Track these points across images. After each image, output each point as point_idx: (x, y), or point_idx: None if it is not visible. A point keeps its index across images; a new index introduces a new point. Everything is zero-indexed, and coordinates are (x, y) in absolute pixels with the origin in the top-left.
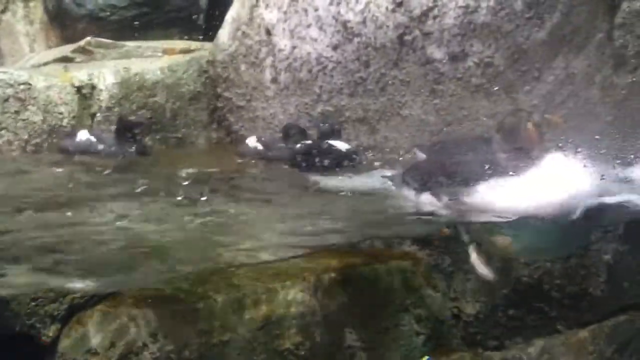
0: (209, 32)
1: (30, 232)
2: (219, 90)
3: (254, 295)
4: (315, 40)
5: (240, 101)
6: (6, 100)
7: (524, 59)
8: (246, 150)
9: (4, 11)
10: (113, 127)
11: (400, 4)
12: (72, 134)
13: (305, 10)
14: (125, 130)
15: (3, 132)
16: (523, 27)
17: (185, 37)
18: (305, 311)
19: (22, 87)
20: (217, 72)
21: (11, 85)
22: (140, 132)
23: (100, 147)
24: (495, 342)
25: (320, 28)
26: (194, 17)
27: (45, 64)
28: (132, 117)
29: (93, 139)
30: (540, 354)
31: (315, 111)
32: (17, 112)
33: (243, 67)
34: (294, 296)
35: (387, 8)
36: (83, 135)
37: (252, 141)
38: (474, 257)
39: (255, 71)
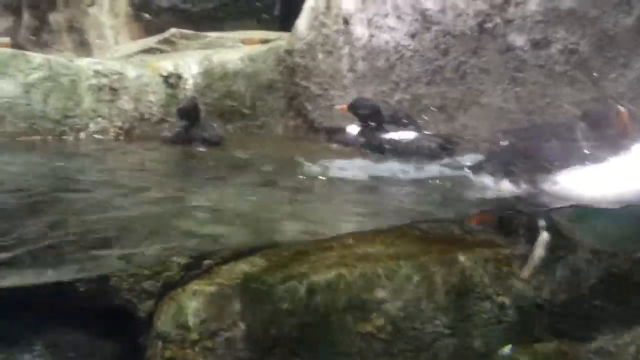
0: (284, 22)
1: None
2: (296, 79)
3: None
4: (393, 29)
5: (317, 90)
6: (101, 89)
7: (611, 45)
8: (347, 138)
9: (91, 5)
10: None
11: None
12: None
13: (384, 0)
14: (184, 117)
15: (99, 119)
16: (610, 13)
17: (261, 27)
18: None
19: (115, 77)
20: (295, 61)
21: (106, 76)
22: (197, 118)
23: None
24: (581, 333)
25: (399, 17)
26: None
27: (132, 54)
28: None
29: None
30: (629, 345)
31: (392, 99)
32: (111, 101)
33: (320, 56)
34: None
35: None
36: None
37: (352, 129)
38: (541, 242)
39: (333, 60)
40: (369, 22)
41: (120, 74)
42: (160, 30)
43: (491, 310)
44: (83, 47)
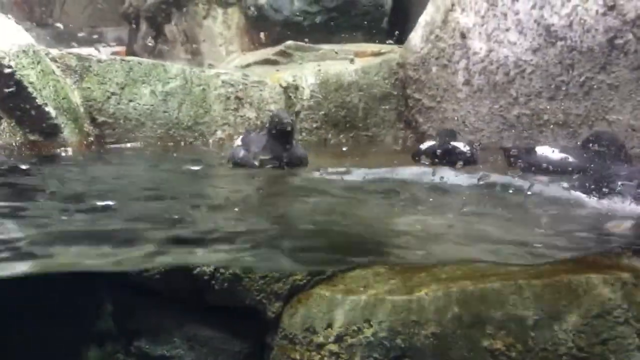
0: (392, 35)
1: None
2: (408, 91)
3: (477, 292)
4: (514, 43)
5: (430, 102)
6: (228, 98)
7: None
8: (422, 152)
9: (205, 17)
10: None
11: (612, 8)
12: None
13: (505, 15)
14: (277, 133)
15: (225, 127)
16: None
17: (369, 40)
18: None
19: (240, 86)
20: (408, 73)
21: (232, 85)
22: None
23: (241, 154)
24: None
25: (520, 32)
26: (378, 20)
27: (248, 65)
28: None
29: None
30: None
31: (510, 114)
32: (236, 109)
33: (434, 69)
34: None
35: (597, 12)
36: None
37: (425, 145)
38: None
39: (447, 73)
40: (488, 37)
41: (244, 84)
42: (273, 42)
43: (629, 336)
44: (196, 57)
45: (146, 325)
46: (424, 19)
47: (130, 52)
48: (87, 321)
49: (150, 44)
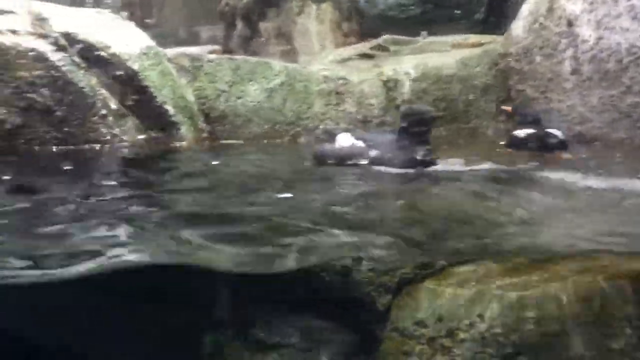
0: (489, 26)
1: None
2: (510, 82)
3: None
4: (627, 30)
5: (534, 93)
6: (329, 93)
7: None
8: (515, 141)
9: (299, 13)
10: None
11: None
12: (329, 137)
13: (616, 1)
14: (414, 128)
15: (327, 121)
16: None
17: (467, 31)
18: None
19: (341, 81)
20: (510, 64)
21: (333, 81)
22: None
23: (373, 153)
24: None
25: (634, 17)
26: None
27: (343, 60)
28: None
29: (360, 144)
30: None
31: (623, 103)
32: (337, 104)
33: (538, 59)
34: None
35: None
36: (345, 139)
37: (521, 133)
38: None
39: (552, 63)
40: (598, 24)
41: (345, 79)
42: (367, 36)
43: None
44: (289, 53)
45: (261, 314)
46: (527, 8)
47: (226, 50)
48: (206, 309)
49: (243, 44)
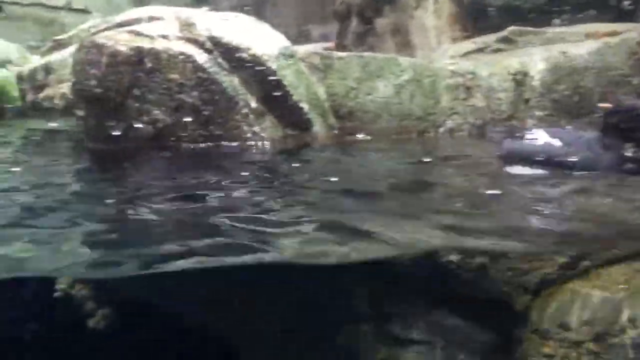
0: (623, 13)
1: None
2: None
3: None
4: None
5: None
6: (456, 88)
7: None
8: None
9: (416, 8)
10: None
11: None
12: (515, 133)
13: None
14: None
15: (455, 116)
16: None
17: (598, 20)
18: None
19: (469, 76)
20: None
21: (461, 75)
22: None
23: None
24: None
25: None
26: None
27: (465, 54)
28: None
29: (558, 142)
30: None
31: None
32: (464, 99)
33: None
34: None
35: None
36: (541, 136)
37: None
38: None
39: None
40: None
41: (473, 73)
42: (488, 29)
43: None
44: (405, 48)
45: (397, 310)
46: None
47: (340, 47)
48: (344, 304)
49: (357, 40)
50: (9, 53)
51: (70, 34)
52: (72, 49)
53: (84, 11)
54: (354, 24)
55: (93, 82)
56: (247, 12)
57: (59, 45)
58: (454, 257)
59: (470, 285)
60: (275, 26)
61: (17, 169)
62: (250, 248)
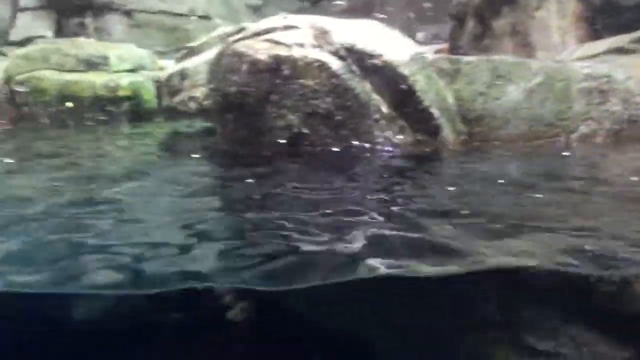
0: None
1: None
2: None
3: None
4: None
5: None
6: (590, 92)
7: None
8: None
9: (538, 8)
10: None
11: None
12: None
13: None
14: None
15: (589, 121)
16: None
17: None
18: None
19: (604, 79)
20: None
21: (595, 78)
22: None
23: None
24: None
25: None
26: None
27: (594, 56)
28: None
29: None
30: None
31: None
32: (600, 103)
33: None
34: None
35: None
36: None
37: None
38: None
39: None
40: None
41: (608, 76)
42: (618, 29)
43: None
44: (524, 49)
45: (529, 319)
46: None
47: (454, 48)
48: (471, 309)
49: (476, 40)
50: (142, 59)
51: (200, 41)
52: (205, 55)
53: (206, 17)
54: (471, 25)
55: (233, 89)
56: (356, 14)
57: (191, 52)
58: (593, 270)
59: (611, 299)
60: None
61: (158, 169)
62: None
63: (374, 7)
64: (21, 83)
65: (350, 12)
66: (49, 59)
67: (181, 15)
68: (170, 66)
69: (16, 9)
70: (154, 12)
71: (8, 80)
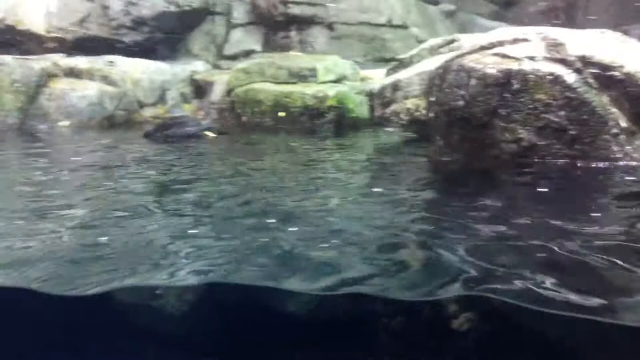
0: None
1: None
2: None
3: None
4: None
5: None
6: None
7: None
8: None
9: None
10: None
11: None
12: None
13: None
14: None
15: None
16: None
17: None
18: None
19: None
20: None
21: None
22: None
23: None
24: None
25: None
26: None
27: None
28: None
29: None
30: None
31: None
32: None
33: None
34: None
35: None
36: None
37: None
38: None
39: None
40: None
41: None
42: None
43: None
44: None
45: None
46: None
47: None
48: None
49: None
50: (345, 69)
51: (411, 53)
52: (416, 67)
53: (402, 27)
54: None
55: (461, 103)
56: (557, 15)
57: (401, 64)
58: None
59: None
60: (588, 28)
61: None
62: None
63: (577, 6)
64: (240, 94)
65: (550, 13)
66: (264, 72)
67: (380, 25)
68: (375, 76)
69: (230, 26)
70: (354, 24)
71: (229, 91)
